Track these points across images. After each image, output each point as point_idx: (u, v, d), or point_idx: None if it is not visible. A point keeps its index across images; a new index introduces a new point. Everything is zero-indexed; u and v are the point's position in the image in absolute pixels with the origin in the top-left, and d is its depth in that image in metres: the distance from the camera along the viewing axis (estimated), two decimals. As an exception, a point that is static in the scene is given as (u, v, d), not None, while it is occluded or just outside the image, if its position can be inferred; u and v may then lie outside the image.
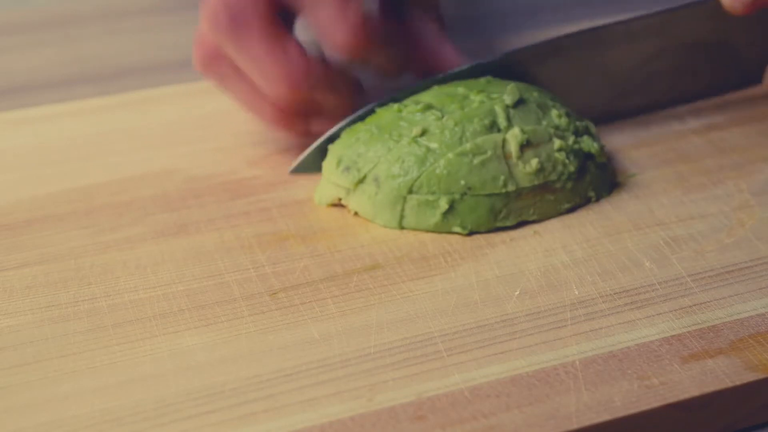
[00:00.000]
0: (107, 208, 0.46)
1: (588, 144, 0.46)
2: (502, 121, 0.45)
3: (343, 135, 0.47)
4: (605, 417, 0.35)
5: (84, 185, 0.48)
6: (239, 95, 0.48)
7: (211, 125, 0.52)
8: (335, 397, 0.36)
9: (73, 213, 0.46)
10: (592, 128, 0.48)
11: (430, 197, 0.44)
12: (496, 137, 0.44)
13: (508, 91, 0.46)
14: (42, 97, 0.57)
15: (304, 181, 0.48)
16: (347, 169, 0.45)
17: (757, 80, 0.54)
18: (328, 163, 0.46)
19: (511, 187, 0.44)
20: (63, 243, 0.44)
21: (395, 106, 0.46)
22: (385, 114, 0.46)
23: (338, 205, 0.46)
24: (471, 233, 0.44)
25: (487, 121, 0.45)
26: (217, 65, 0.47)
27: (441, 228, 0.44)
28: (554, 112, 0.46)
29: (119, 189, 0.47)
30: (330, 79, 0.46)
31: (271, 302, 0.40)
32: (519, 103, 0.46)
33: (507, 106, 0.45)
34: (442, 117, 0.45)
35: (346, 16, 0.44)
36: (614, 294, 0.41)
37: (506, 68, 0.49)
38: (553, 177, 0.45)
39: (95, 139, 0.51)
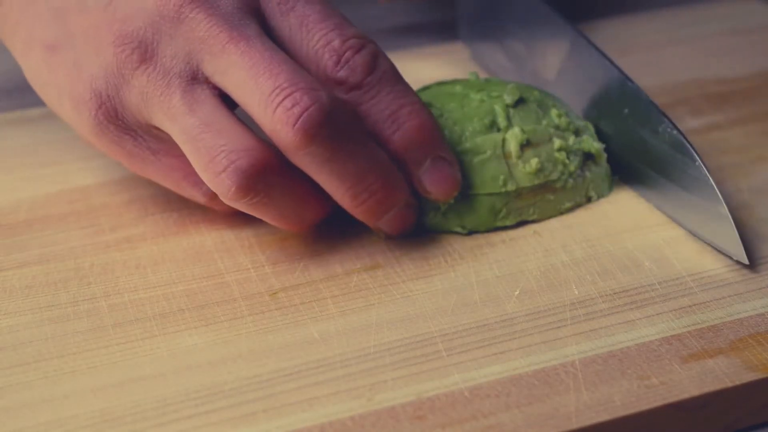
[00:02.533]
0: (107, 208, 0.46)
1: (588, 144, 0.46)
2: (502, 121, 0.45)
3: None
4: (605, 417, 0.35)
5: (84, 185, 0.48)
6: (283, 209, 0.41)
7: (211, 125, 0.52)
8: (335, 396, 0.36)
9: (73, 213, 0.46)
10: (591, 128, 0.47)
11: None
12: (496, 137, 0.44)
13: (509, 91, 0.45)
14: (42, 97, 0.57)
15: (304, 181, 0.48)
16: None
17: None
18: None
19: (510, 187, 0.44)
20: (63, 243, 0.44)
21: None
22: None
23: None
24: (470, 233, 0.44)
25: (486, 121, 0.44)
26: (266, 179, 0.39)
27: (440, 227, 0.44)
28: (554, 112, 0.46)
29: (119, 189, 0.47)
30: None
31: (271, 302, 0.40)
32: (519, 102, 0.45)
33: (507, 106, 0.45)
34: (442, 116, 0.45)
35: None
36: (614, 294, 0.41)
37: None
38: (554, 177, 0.45)
39: (95, 139, 0.51)
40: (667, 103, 0.54)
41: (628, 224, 0.45)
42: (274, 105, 0.38)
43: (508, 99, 0.45)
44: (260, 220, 0.45)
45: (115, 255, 0.43)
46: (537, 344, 0.38)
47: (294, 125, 0.37)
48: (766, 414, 0.38)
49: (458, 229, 0.44)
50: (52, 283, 0.41)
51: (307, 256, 0.43)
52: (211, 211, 0.45)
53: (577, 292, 0.41)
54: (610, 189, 0.47)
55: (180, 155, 0.41)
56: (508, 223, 0.44)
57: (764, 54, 0.60)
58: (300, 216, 0.41)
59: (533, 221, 0.45)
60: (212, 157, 0.38)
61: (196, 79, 0.39)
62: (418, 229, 0.44)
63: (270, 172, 0.39)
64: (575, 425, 0.35)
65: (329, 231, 0.44)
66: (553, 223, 0.45)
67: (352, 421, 0.35)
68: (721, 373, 0.37)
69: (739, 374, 0.37)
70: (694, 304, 0.40)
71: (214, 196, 0.42)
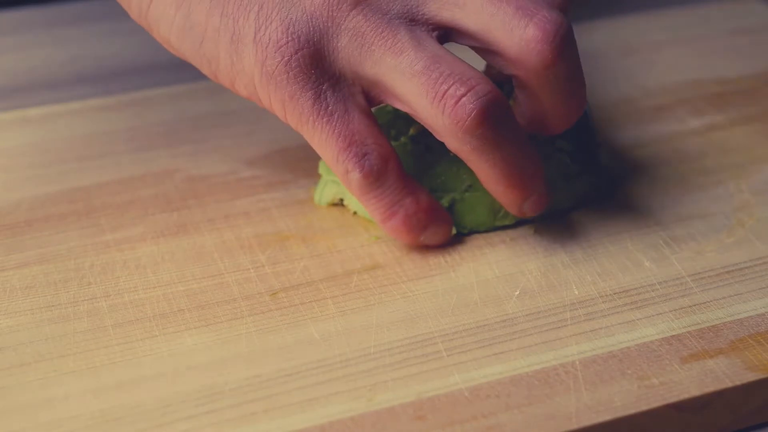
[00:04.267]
0: (107, 208, 0.46)
1: (589, 144, 0.46)
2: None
3: None
4: (605, 417, 0.35)
5: (84, 185, 0.48)
6: (504, 160, 0.40)
7: (211, 125, 0.52)
8: (335, 397, 0.36)
9: (73, 213, 0.46)
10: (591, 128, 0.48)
11: (430, 197, 0.44)
12: (496, 137, 0.44)
13: (506, 91, 0.45)
14: (42, 97, 0.57)
15: (304, 181, 0.48)
16: (347, 169, 0.45)
17: None
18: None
19: (511, 187, 0.44)
20: (63, 243, 0.44)
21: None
22: (384, 112, 0.46)
23: (338, 204, 0.46)
24: (471, 233, 0.44)
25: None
26: (501, 120, 0.39)
27: (441, 228, 0.44)
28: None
29: (119, 189, 0.47)
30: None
31: (271, 302, 0.40)
32: (519, 102, 0.45)
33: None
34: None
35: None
36: (614, 294, 0.41)
37: None
38: (554, 176, 0.45)
39: (95, 139, 0.51)
40: (667, 103, 0.54)
41: (628, 224, 0.45)
42: (525, 21, 0.39)
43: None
44: (259, 220, 0.45)
45: (115, 255, 0.43)
46: (537, 344, 0.38)
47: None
48: (766, 414, 0.38)
49: (458, 229, 0.44)
50: (52, 283, 0.41)
51: (307, 256, 0.43)
52: (211, 211, 0.45)
53: (577, 292, 0.41)
54: (610, 189, 0.47)
55: (350, 123, 0.40)
56: (507, 222, 0.44)
57: (764, 54, 0.60)
58: (522, 175, 0.41)
59: (533, 221, 0.45)
60: (451, 83, 0.38)
61: (415, 20, 0.40)
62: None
63: (503, 110, 0.39)
64: (575, 425, 0.35)
65: (329, 231, 0.44)
66: (553, 223, 0.45)
67: (352, 421, 0.35)
68: (721, 373, 0.37)
69: (739, 374, 0.37)
70: (694, 304, 0.40)
71: (366, 176, 0.41)
